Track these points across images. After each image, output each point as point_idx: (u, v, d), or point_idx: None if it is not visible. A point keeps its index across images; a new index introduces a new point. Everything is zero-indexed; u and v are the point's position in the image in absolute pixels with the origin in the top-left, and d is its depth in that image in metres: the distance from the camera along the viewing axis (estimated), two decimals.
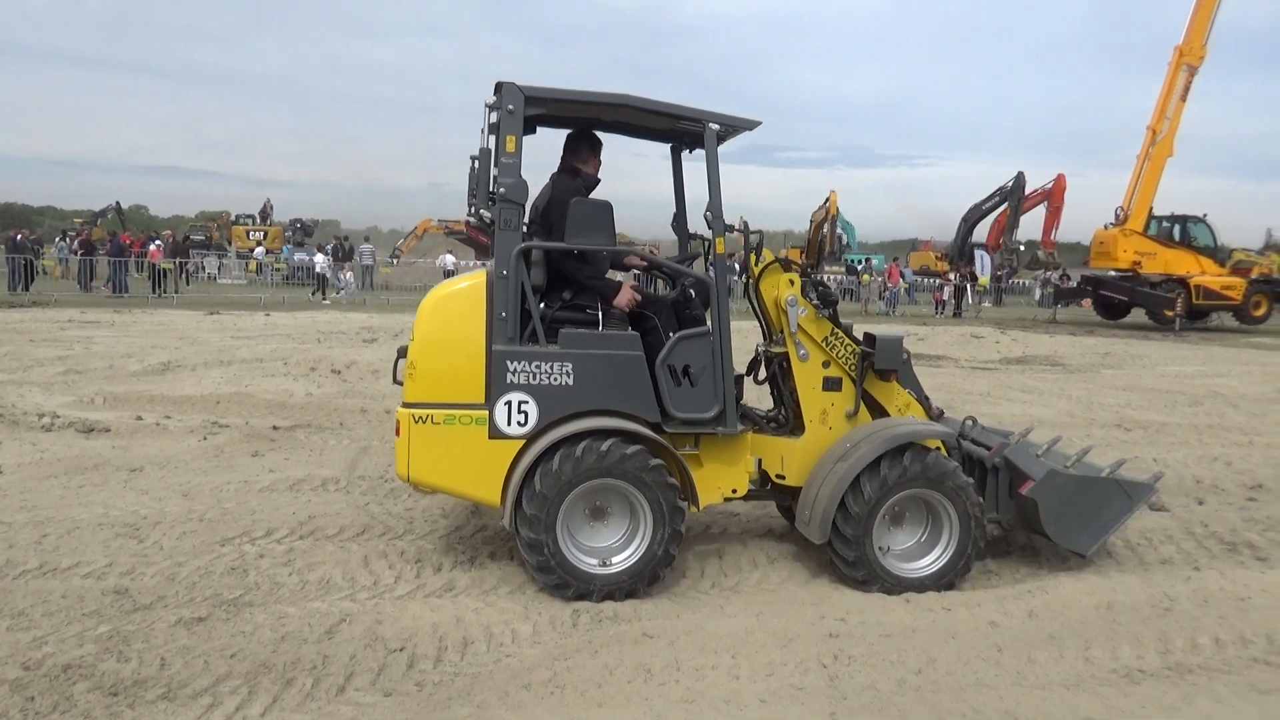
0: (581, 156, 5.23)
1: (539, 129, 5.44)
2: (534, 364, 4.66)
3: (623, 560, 4.74)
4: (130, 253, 26.88)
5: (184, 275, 28.28)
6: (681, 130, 5.33)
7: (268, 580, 4.78)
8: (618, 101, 4.79)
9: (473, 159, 4.84)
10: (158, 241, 29.57)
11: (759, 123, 5.01)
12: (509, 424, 4.68)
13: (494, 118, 4.86)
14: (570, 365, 4.69)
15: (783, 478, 5.18)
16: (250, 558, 5.09)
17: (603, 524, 4.85)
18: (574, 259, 4.87)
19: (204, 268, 32.96)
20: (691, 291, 5.31)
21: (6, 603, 4.38)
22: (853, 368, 5.18)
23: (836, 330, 5.20)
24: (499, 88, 4.71)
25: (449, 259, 32.46)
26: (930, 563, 4.96)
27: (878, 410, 5.35)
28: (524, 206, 4.68)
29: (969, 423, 5.98)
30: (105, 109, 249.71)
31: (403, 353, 4.91)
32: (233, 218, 41.82)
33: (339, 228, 48.00)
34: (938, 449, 5.06)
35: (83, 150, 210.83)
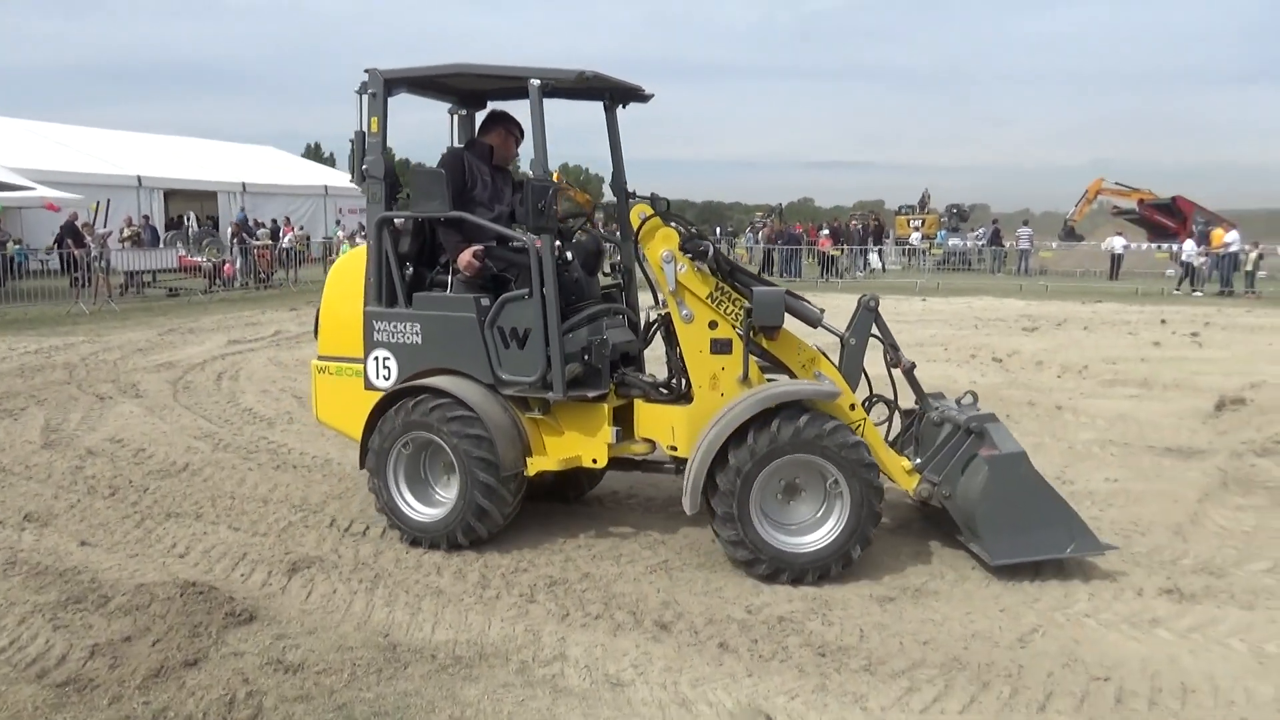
0: (483, 129, 5.51)
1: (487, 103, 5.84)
2: (393, 324, 5.06)
3: (437, 513, 4.95)
4: (804, 241, 29.82)
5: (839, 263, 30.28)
6: (588, 90, 5.29)
7: (953, 571, 4.76)
8: (455, 71, 4.96)
9: (350, 141, 5.12)
10: (826, 231, 32.28)
11: (579, 71, 4.75)
12: (377, 377, 5.13)
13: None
14: (419, 325, 5.00)
15: (675, 449, 4.92)
16: (935, 548, 5.14)
17: (448, 478, 5.05)
18: (439, 225, 5.06)
19: (864, 256, 34.63)
20: (569, 255, 5.24)
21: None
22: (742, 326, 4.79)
23: (722, 286, 4.83)
24: (367, 74, 5.03)
25: (1117, 241, 28.73)
26: (823, 535, 4.55)
27: (783, 370, 4.95)
28: (386, 181, 5.01)
29: (969, 397, 5.06)
30: (784, 113, 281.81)
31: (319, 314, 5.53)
32: (897, 209, 43.42)
33: (989, 212, 46.83)
34: (815, 409, 4.56)
35: (765, 151, 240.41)
